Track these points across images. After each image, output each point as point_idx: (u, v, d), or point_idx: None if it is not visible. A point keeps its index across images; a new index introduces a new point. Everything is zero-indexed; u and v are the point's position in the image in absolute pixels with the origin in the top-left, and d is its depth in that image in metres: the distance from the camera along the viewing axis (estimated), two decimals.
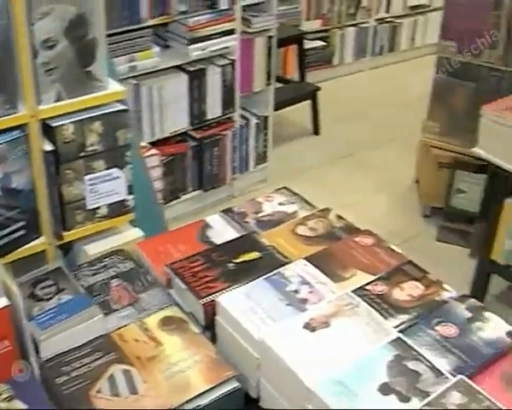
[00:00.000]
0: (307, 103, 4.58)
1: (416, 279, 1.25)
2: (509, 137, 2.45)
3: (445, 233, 3.46)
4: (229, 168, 3.68)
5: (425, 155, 3.57)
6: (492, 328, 1.14)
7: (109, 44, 2.87)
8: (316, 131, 4.64)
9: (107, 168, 1.76)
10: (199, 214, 1.39)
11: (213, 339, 1.22)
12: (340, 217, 1.46)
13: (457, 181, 3.29)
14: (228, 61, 3.44)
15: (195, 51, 3.26)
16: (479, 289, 2.88)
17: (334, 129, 4.63)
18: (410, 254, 1.35)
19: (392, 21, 6.06)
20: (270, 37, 3.69)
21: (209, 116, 3.47)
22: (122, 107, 1.73)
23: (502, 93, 2.69)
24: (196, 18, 3.20)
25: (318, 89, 4.59)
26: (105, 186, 1.77)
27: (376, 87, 5.42)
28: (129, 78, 3.09)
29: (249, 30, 3.57)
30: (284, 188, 1.59)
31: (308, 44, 5.20)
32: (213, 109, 3.47)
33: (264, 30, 3.66)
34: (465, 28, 3.13)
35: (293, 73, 5.09)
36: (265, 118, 3.84)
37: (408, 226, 3.57)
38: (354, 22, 5.78)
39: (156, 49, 3.14)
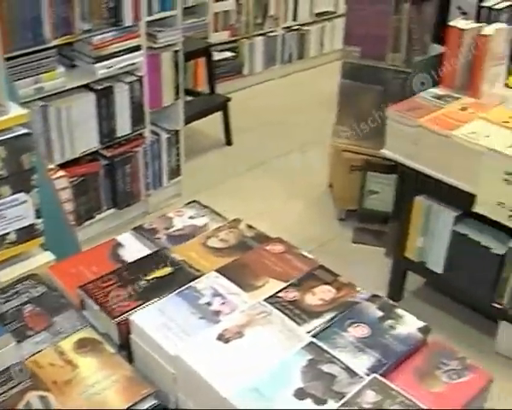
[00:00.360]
0: (219, 115, 4.61)
1: (328, 283, 1.28)
2: (413, 137, 2.53)
3: (361, 235, 3.54)
4: (142, 185, 3.67)
5: (337, 160, 3.64)
6: (404, 325, 1.18)
7: (13, 67, 2.85)
8: (228, 142, 4.67)
9: (13, 193, 1.73)
10: (113, 233, 1.39)
11: (130, 358, 1.22)
12: (250, 226, 1.48)
13: (369, 183, 3.38)
14: (135, 78, 3.43)
15: (102, 69, 3.24)
16: (396, 288, 2.97)
17: (247, 138, 4.67)
18: (327, 257, 1.38)
19: (299, 29, 6.15)
20: (176, 51, 3.70)
21: (119, 134, 3.45)
22: (25, 130, 1.71)
23: (407, 95, 2.77)
24: (101, 36, 3.18)
25: (229, 100, 4.62)
26: (12, 212, 1.74)
27: (287, 94, 5.50)
28: (36, 100, 3.05)
29: (155, 45, 3.57)
30: (194, 201, 1.60)
31: (217, 56, 5.23)
32: (123, 127, 3.45)
33: (170, 44, 3.67)
34: (367, 33, 3.22)
35: (203, 86, 5.11)
36: (176, 132, 3.85)
37: (324, 231, 3.63)
38: (262, 32, 5.84)
39: (61, 69, 3.10)
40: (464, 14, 3.14)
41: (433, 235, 2.69)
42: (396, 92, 3.10)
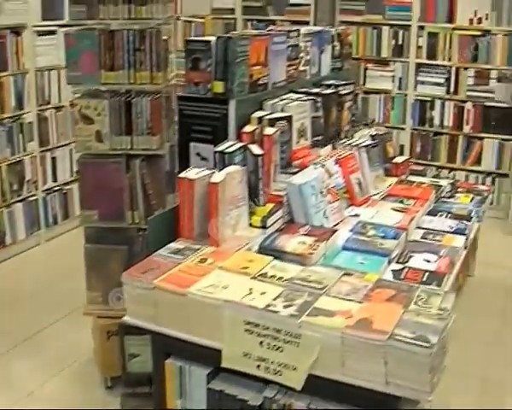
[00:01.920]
0: None
1: None
2: (151, 300, 2.37)
3: (129, 400, 3.31)
4: None
5: (94, 326, 3.42)
6: None
7: None
8: None
9: None
10: None
11: None
12: None
13: (128, 346, 3.18)
14: None
15: None
16: None
17: (8, 315, 4.31)
18: None
19: (61, 189, 5.97)
20: None
21: None
22: None
23: (146, 254, 2.63)
24: None
25: None
26: None
27: (53, 260, 5.23)
28: None
29: None
30: None
31: None
32: None
33: None
34: (102, 194, 3.10)
35: None
36: None
37: (91, 402, 3.35)
38: (21, 197, 5.58)
39: None
40: (204, 159, 3.12)
41: (190, 396, 2.51)
42: (140, 251, 2.97)
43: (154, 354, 2.58)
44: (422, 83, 6.51)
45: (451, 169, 6.52)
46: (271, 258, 2.56)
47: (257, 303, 2.19)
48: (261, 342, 2.16)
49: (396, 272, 2.73)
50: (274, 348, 2.14)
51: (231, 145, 2.99)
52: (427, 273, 2.73)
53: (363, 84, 6.74)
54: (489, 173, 6.39)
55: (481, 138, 6.37)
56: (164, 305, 2.36)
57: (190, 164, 3.16)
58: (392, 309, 2.15)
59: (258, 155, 2.91)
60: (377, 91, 6.70)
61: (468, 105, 6.34)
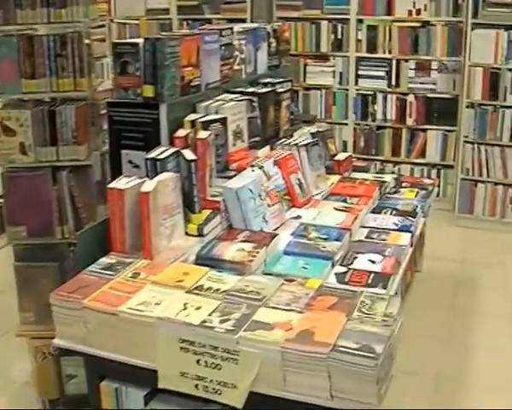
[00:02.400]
0: None
1: None
2: (81, 320, 2.25)
3: None
4: None
5: (29, 348, 3.27)
6: None
7: None
8: None
9: None
10: None
11: None
12: None
13: (65, 367, 3.04)
14: None
15: None
16: None
17: None
18: None
19: None
20: None
21: None
22: None
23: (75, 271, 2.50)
24: None
25: None
26: None
27: None
28: None
29: None
30: None
31: None
32: None
33: None
34: (29, 208, 2.95)
35: None
36: None
37: None
38: None
39: None
40: (137, 167, 3.01)
41: None
42: (72, 267, 2.83)
43: (89, 377, 2.47)
44: (363, 77, 6.47)
45: (396, 163, 6.51)
46: (207, 269, 2.46)
47: (192, 319, 2.09)
48: (198, 361, 2.06)
49: (340, 276, 2.67)
50: (212, 366, 2.04)
51: (164, 151, 2.89)
52: (372, 275, 2.67)
53: (304, 81, 6.67)
54: (434, 165, 6.39)
55: (425, 130, 6.36)
56: (95, 326, 2.25)
57: (123, 172, 3.05)
58: (334, 318, 2.07)
59: (192, 161, 2.81)
60: (318, 87, 6.64)
61: (411, 97, 6.33)
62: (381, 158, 6.52)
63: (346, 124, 6.58)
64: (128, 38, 6.88)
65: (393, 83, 6.35)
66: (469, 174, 5.97)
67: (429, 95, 6.24)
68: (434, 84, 6.21)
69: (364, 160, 6.28)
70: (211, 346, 2.02)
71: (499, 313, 4.44)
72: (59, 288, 2.36)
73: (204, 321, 2.07)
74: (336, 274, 2.69)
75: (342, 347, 1.91)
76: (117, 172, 3.04)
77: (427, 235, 4.43)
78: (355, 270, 2.73)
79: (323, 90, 6.61)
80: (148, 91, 3.01)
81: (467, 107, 5.87)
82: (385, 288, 2.58)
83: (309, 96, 6.65)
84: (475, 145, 5.91)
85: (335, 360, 1.88)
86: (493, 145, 5.86)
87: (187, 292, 2.27)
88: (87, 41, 2.99)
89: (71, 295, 2.28)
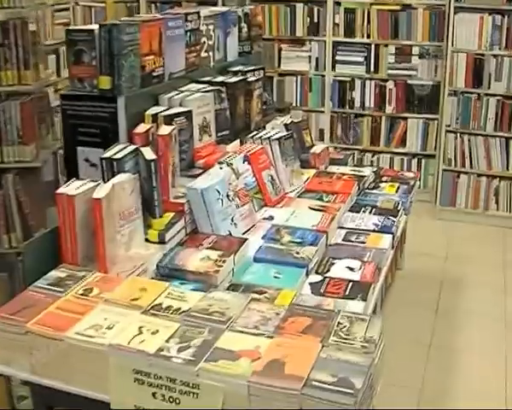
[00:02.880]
0: None
1: None
2: (26, 345, 2.03)
3: None
4: None
5: None
6: None
7: None
8: None
9: None
10: None
11: None
12: None
13: (16, 389, 2.83)
14: None
15: None
16: None
17: None
18: None
19: None
20: None
21: None
22: None
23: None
24: None
25: None
26: None
27: None
28: None
29: None
30: None
31: None
32: None
33: None
34: None
35: None
36: None
37: None
38: None
39: None
40: (94, 166, 2.80)
41: None
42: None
43: (36, 404, 2.24)
44: (341, 62, 6.26)
45: (375, 152, 6.32)
46: (166, 284, 2.24)
47: (147, 347, 1.88)
48: (154, 394, 1.84)
49: (315, 286, 2.49)
50: (169, 399, 1.83)
51: (122, 149, 2.66)
52: (350, 284, 2.50)
53: (278, 66, 6.44)
54: (414, 155, 6.21)
55: (405, 118, 6.18)
56: (40, 352, 2.02)
57: (79, 171, 2.84)
58: (307, 345, 1.87)
59: (151, 161, 2.58)
60: (293, 73, 6.41)
61: (390, 84, 6.13)
62: (359, 147, 6.34)
63: (323, 111, 6.38)
64: (94, 22, 6.60)
65: (372, 69, 6.15)
66: (451, 165, 5.80)
67: (410, 81, 6.06)
68: (415, 70, 6.02)
69: (342, 149, 6.16)
70: (168, 378, 1.81)
71: (485, 312, 4.27)
72: (2, 307, 2.12)
73: (160, 349, 1.86)
74: (311, 284, 2.51)
75: (316, 381, 1.70)
76: (73, 172, 2.83)
77: (408, 228, 4.23)
78: (331, 279, 2.55)
79: (299, 77, 6.40)
80: (105, 83, 2.79)
81: (449, 94, 5.68)
82: (364, 299, 2.40)
83: (284, 82, 6.43)
84: (458, 134, 5.73)
85: (309, 396, 1.67)
86: (477, 135, 5.68)
87: (143, 313, 2.05)
88: (33, 28, 2.73)
89: (13, 318, 2.05)
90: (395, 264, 4.34)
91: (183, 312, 2.04)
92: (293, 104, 6.34)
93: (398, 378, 3.40)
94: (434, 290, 4.53)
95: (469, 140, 5.69)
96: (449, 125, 5.73)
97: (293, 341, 1.88)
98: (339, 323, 1.96)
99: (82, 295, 2.17)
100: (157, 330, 1.94)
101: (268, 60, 6.28)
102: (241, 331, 1.93)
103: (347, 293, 2.43)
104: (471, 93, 5.64)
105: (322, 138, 6.36)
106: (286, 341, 1.88)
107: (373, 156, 6.30)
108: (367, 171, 3.92)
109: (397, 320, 3.92)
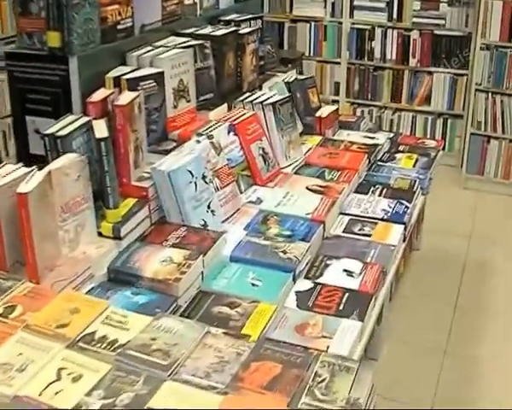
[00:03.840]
0: None
1: None
2: None
3: None
4: None
5: None
6: None
7: None
8: None
9: None
10: None
11: None
12: None
13: None
14: None
15: None
16: None
17: None
18: None
19: None
20: None
21: None
22: None
23: None
24: None
25: None
26: None
27: None
28: None
29: None
30: None
31: None
32: None
33: None
34: None
35: None
36: None
37: None
38: None
39: None
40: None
41: None
42: None
43: None
44: (360, 8, 5.82)
45: (396, 110, 5.90)
46: (106, 303, 1.83)
47: (62, 402, 1.47)
48: None
49: (302, 296, 2.15)
50: None
51: (72, 122, 2.25)
52: (346, 295, 2.13)
53: (290, 12, 6.02)
54: (440, 115, 5.80)
55: (430, 73, 5.76)
56: None
57: (30, 144, 2.48)
58: (271, 408, 1.44)
59: (102, 139, 2.15)
60: (307, 19, 5.99)
61: (415, 34, 5.69)
62: (378, 104, 5.93)
63: (339, 63, 5.98)
64: None
65: (395, 16, 5.72)
66: (481, 128, 5.36)
67: (437, 32, 5.62)
68: (443, 19, 5.58)
69: (359, 105, 5.76)
70: None
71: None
72: None
73: (78, 406, 1.45)
74: (298, 293, 2.15)
75: None
76: (23, 144, 2.54)
77: (429, 198, 3.73)
78: (324, 286, 2.16)
79: (313, 23, 5.97)
80: (54, 40, 2.38)
81: (481, 48, 5.22)
82: (361, 319, 2.01)
83: (296, 29, 6.01)
84: (489, 94, 5.27)
85: None
86: (511, 96, 5.21)
87: (68, 346, 1.64)
88: None
89: None
90: (410, 246, 3.92)
91: (119, 346, 1.63)
92: (306, 54, 5.93)
93: (406, 393, 3.01)
94: (454, 279, 4.07)
95: (502, 101, 5.26)
96: (479, 84, 5.30)
97: (253, 400, 1.45)
98: (316, 374, 1.54)
99: (1, 315, 1.77)
100: (80, 376, 1.54)
101: (279, 3, 5.87)
102: (187, 382, 1.51)
103: (341, 308, 2.06)
104: (506, 47, 5.18)
105: (337, 93, 6.01)
106: (243, 400, 1.46)
107: (393, 114, 5.91)
108: (381, 138, 3.54)
109: (407, 318, 3.53)
